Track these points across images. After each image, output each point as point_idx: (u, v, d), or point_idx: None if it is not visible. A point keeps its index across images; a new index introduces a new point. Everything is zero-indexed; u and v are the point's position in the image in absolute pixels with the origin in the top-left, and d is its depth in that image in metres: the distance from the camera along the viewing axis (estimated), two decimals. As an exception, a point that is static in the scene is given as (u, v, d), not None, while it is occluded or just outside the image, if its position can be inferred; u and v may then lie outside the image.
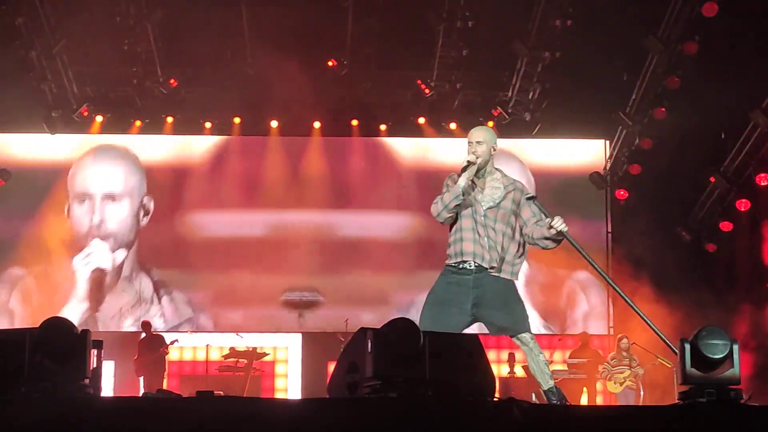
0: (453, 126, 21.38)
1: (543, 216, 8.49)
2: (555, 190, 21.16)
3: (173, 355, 19.35)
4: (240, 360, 18.56)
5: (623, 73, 20.03)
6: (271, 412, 6.38)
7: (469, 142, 8.57)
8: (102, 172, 21.40)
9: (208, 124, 21.51)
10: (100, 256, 20.86)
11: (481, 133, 8.62)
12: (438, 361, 7.03)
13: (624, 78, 20.02)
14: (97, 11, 18.43)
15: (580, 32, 18.89)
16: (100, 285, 20.86)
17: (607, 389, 17.92)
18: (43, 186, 21.30)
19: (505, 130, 21.17)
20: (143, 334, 19.10)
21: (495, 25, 19.23)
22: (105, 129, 21.47)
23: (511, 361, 18.54)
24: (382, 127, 21.66)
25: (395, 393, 6.78)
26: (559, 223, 8.24)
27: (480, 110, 21.17)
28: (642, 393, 17.27)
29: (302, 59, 19.49)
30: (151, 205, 21.27)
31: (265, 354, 18.68)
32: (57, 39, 18.94)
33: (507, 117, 20.93)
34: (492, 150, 8.58)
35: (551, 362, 18.61)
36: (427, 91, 20.66)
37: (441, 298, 8.49)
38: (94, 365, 7.19)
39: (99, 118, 21.28)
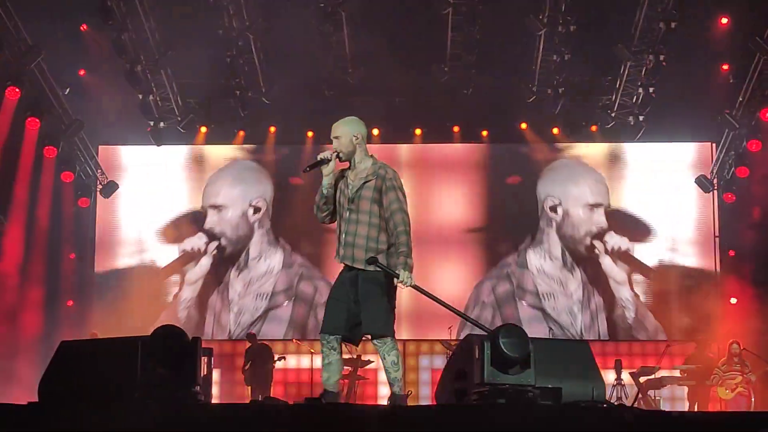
0: (555, 131, 21.26)
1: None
2: (661, 194, 20.94)
3: (279, 363, 19.46)
4: (344, 367, 18.60)
5: (729, 76, 19.71)
6: (376, 418, 6.38)
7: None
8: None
9: (309, 133, 21.66)
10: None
11: (338, 128, 8.46)
12: (546, 367, 6.98)
13: (730, 80, 19.70)
14: (200, 24, 18.64)
15: (684, 34, 18.61)
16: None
17: (719, 395, 17.56)
18: (150, 196, 21.65)
19: (609, 134, 21.00)
20: (249, 344, 19.24)
21: (597, 28, 19.03)
22: (209, 139, 21.77)
23: (618, 367, 18.34)
24: (484, 133, 21.60)
25: (504, 399, 6.75)
26: (406, 281, 8.05)
27: (583, 114, 21.01)
28: (753, 399, 16.90)
29: (402, 67, 19.52)
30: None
31: (370, 361, 18.68)
32: (162, 53, 19.22)
33: (611, 121, 20.72)
34: (354, 140, 8.38)
35: (660, 368, 18.34)
36: (529, 96, 20.53)
37: (332, 294, 8.34)
38: (204, 373, 7.27)
39: (203, 129, 21.58)
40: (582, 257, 21.08)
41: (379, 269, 7.97)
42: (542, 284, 20.94)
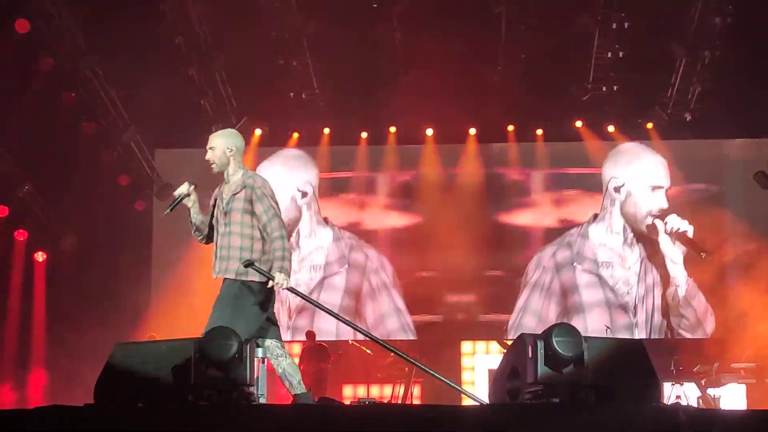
0: (611, 129, 21.14)
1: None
2: (719, 191, 20.76)
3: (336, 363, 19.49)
4: (401, 368, 18.61)
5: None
6: (431, 417, 6.37)
7: None
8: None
9: (364, 134, 21.71)
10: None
11: (214, 139, 8.49)
12: (600, 365, 6.93)
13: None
14: (253, 27, 18.72)
15: (740, 30, 18.42)
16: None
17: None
18: (205, 199, 21.74)
19: (665, 131, 20.84)
20: (306, 344, 19.28)
21: (651, 25, 18.90)
22: (263, 142, 21.86)
23: (675, 366, 18.18)
24: (539, 131, 21.52)
25: (557, 398, 6.72)
26: (282, 283, 8.16)
27: (638, 112, 20.88)
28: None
29: (456, 66, 19.50)
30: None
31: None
32: (215, 56, 19.32)
33: (667, 118, 20.57)
34: (228, 151, 8.41)
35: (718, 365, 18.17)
36: (583, 94, 20.42)
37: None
38: (258, 374, 7.30)
39: (258, 131, 21.69)
40: (642, 235, 21.15)
41: (252, 280, 8.19)
42: (601, 254, 21.14)
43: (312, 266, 21.58)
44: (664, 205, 20.99)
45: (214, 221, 8.42)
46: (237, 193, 8.32)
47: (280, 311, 21.17)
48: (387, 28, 19.03)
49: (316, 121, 21.49)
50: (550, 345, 6.87)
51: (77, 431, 5.90)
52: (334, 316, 9.09)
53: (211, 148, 8.45)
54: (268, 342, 8.28)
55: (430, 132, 21.52)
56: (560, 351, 6.84)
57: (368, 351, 19.06)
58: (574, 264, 21.12)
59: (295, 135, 21.83)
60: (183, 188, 8.33)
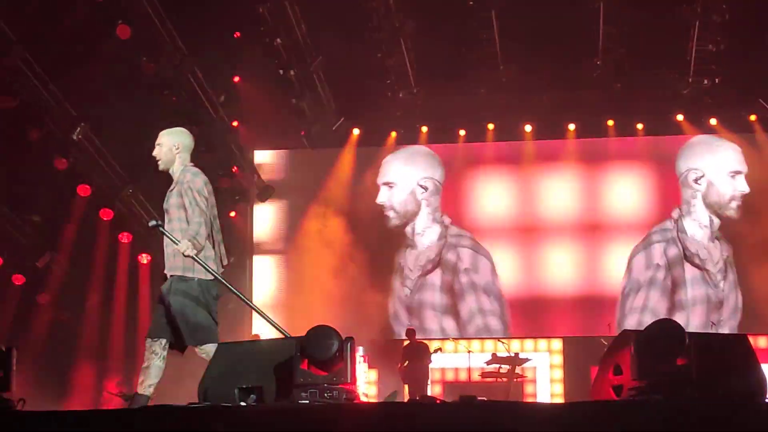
0: (713, 122, 20.86)
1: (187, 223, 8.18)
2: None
3: (436, 362, 19.47)
4: (502, 366, 18.53)
5: None
6: (534, 416, 6.33)
7: None
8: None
9: (462, 132, 21.69)
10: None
11: (162, 137, 8.46)
12: (705, 362, 6.83)
13: None
14: (350, 27, 18.79)
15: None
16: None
17: None
18: (305, 199, 21.96)
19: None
20: (407, 342, 19.28)
21: (753, 16, 18.56)
22: (361, 141, 21.95)
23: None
24: (639, 126, 21.29)
25: (661, 395, 6.63)
26: (185, 249, 7.98)
27: (740, 104, 20.55)
28: None
29: (554, 62, 19.39)
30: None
31: (527, 359, 18.56)
32: (313, 57, 19.43)
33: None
34: (174, 149, 8.37)
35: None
36: (684, 87, 20.16)
37: (158, 300, 8.39)
38: (359, 371, 7.32)
39: (356, 131, 21.79)
40: (730, 221, 20.98)
41: (197, 277, 8.11)
42: (700, 250, 20.93)
43: (419, 264, 21.63)
44: (746, 189, 20.79)
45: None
46: (173, 189, 8.38)
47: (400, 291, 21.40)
48: (484, 25, 18.96)
49: (413, 120, 21.52)
50: (652, 341, 6.79)
51: (182, 431, 5.97)
52: (250, 305, 8.96)
53: (158, 145, 8.48)
54: (149, 341, 8.22)
55: (528, 128, 21.41)
56: (663, 346, 6.76)
57: (469, 349, 19.01)
58: (684, 260, 20.94)
59: (393, 134, 21.90)
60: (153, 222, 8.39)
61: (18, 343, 7.87)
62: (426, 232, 21.74)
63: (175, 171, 8.46)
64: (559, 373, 20.70)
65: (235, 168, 21.07)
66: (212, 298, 8.24)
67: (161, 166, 8.45)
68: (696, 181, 21.07)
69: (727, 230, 20.91)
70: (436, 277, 21.54)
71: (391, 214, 21.83)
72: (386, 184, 21.99)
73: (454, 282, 21.49)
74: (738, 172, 20.95)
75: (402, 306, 21.55)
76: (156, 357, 8.19)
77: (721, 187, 21.02)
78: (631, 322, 20.43)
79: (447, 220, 21.75)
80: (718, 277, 20.75)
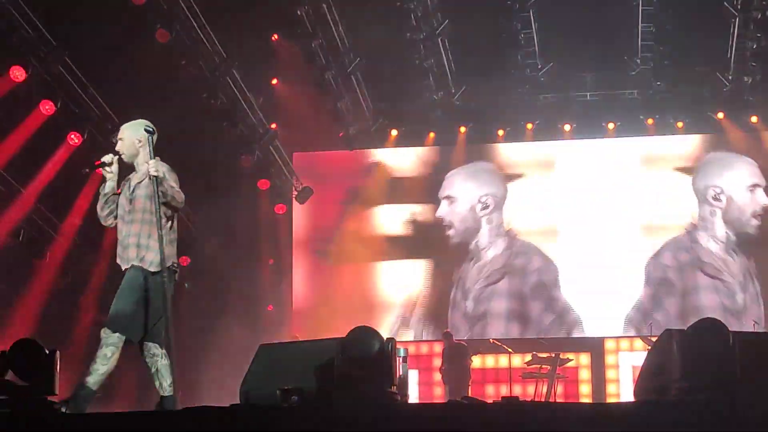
0: (754, 119, 20.71)
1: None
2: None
3: (476, 362, 19.44)
4: (543, 366, 18.45)
5: None
6: (576, 416, 6.30)
7: None
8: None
9: (500, 132, 21.67)
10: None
11: (124, 131, 8.33)
12: (749, 361, 6.76)
13: None
14: (388, 29, 18.78)
15: None
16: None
17: None
18: (345, 200, 22.01)
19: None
20: (445, 344, 19.26)
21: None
22: (400, 142, 21.97)
23: None
24: (679, 124, 21.18)
25: (705, 395, 6.58)
26: (153, 168, 7.96)
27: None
28: None
29: (593, 61, 19.34)
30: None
31: (569, 360, 18.48)
32: (352, 59, 19.44)
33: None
34: (137, 143, 8.23)
35: None
36: (724, 85, 20.03)
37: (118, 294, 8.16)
38: (400, 373, 7.31)
39: (394, 132, 21.81)
40: (750, 237, 20.92)
41: (157, 271, 7.99)
42: (715, 261, 20.93)
43: (487, 275, 21.61)
44: (766, 201, 20.61)
45: (120, 209, 8.29)
46: (142, 181, 8.21)
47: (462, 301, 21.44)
48: (522, 24, 18.92)
49: (452, 120, 21.51)
50: (696, 340, 6.73)
51: (225, 431, 5.99)
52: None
53: (120, 139, 8.37)
54: (107, 334, 8.02)
55: (568, 128, 21.36)
56: (707, 346, 6.70)
57: (509, 349, 18.95)
58: (697, 267, 20.87)
59: (432, 134, 21.91)
60: (107, 157, 8.24)
61: (61, 346, 7.87)
62: (491, 246, 21.76)
63: (140, 163, 8.31)
64: (600, 373, 20.64)
65: (274, 170, 21.13)
66: (157, 294, 8.08)
67: (125, 159, 8.31)
68: (715, 198, 21.00)
69: (747, 245, 20.86)
70: (503, 285, 21.51)
71: (451, 232, 21.88)
72: (447, 198, 22.05)
73: (523, 286, 21.49)
74: (757, 185, 20.91)
75: (464, 318, 21.55)
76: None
77: (741, 201, 20.93)
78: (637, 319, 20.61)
79: (513, 231, 21.74)
80: (736, 288, 20.63)
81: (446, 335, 19.33)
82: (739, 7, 18.18)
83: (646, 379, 7.36)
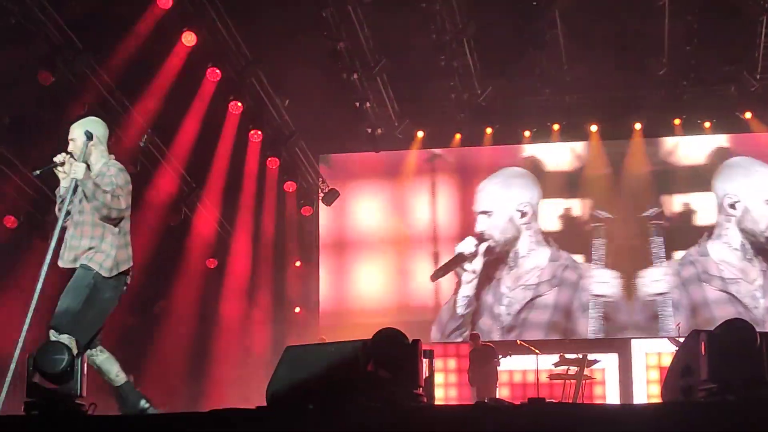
0: (783, 119, 20.65)
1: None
2: None
3: (504, 365, 19.41)
4: (570, 367, 18.40)
5: None
6: (603, 417, 6.28)
7: None
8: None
9: (527, 133, 21.64)
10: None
11: (74, 130, 8.15)
12: (777, 362, 6.73)
13: None
14: (412, 30, 18.75)
15: None
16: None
17: None
18: (371, 201, 22.04)
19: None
20: (473, 346, 19.24)
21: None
22: (426, 144, 21.98)
23: None
24: (707, 124, 21.09)
25: (733, 396, 6.55)
26: (72, 169, 7.79)
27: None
28: None
29: (619, 61, 19.25)
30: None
31: (596, 361, 18.43)
32: (377, 60, 19.42)
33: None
34: (89, 143, 8.02)
35: None
36: (751, 85, 19.91)
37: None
38: (427, 374, 7.30)
39: (420, 133, 21.81)
40: (763, 248, 20.78)
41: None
42: (725, 271, 20.79)
43: (525, 286, 21.59)
44: None
45: (72, 208, 8.17)
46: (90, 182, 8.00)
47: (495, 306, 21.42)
48: (549, 25, 18.85)
49: (478, 121, 21.48)
50: (723, 340, 6.70)
51: (251, 432, 6.02)
52: None
53: (72, 140, 8.19)
54: (54, 332, 7.77)
55: (594, 128, 21.31)
56: (734, 347, 6.67)
57: (536, 351, 18.91)
58: (702, 281, 20.76)
59: (458, 136, 21.91)
60: (59, 157, 8.11)
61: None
62: (531, 255, 21.74)
63: (94, 163, 8.15)
64: (628, 375, 20.60)
65: (300, 172, 21.18)
66: (102, 296, 7.91)
67: (77, 159, 8.07)
68: (732, 206, 20.94)
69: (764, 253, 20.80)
70: (550, 297, 21.46)
71: (491, 243, 21.84)
72: (483, 212, 22.06)
73: (573, 300, 21.43)
74: None
75: (494, 323, 21.51)
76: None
77: (756, 213, 20.82)
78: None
79: (555, 243, 21.73)
80: (757, 295, 20.52)
81: (474, 337, 19.31)
82: (766, 5, 18.05)
83: (674, 379, 7.34)
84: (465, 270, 21.77)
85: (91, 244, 7.92)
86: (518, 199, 21.93)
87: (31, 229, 16.84)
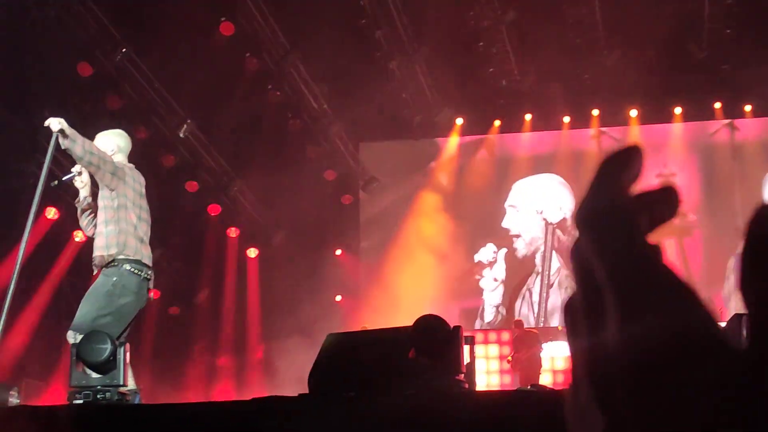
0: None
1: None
2: None
3: (547, 351, 19.34)
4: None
5: None
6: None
7: None
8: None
9: (566, 119, 21.53)
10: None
11: (97, 140, 8.08)
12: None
13: None
14: (450, 16, 18.70)
15: None
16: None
17: None
18: (412, 189, 22.04)
19: None
20: (516, 332, 19.20)
21: None
22: (465, 131, 21.93)
23: None
24: (747, 108, 20.91)
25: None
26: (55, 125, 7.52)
27: None
28: None
29: (658, 45, 19.10)
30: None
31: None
32: (415, 48, 19.38)
33: None
34: (110, 152, 7.95)
35: None
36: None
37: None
38: (468, 360, 7.29)
39: (459, 121, 21.76)
40: None
41: (130, 271, 7.81)
42: None
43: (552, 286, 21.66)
44: None
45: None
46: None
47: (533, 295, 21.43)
48: (588, 9, 18.74)
49: (517, 108, 21.41)
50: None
51: (292, 421, 6.01)
52: None
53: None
54: (70, 333, 7.80)
55: (634, 113, 21.18)
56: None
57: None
58: None
59: (497, 123, 21.85)
60: (75, 168, 8.08)
61: (131, 338, 7.95)
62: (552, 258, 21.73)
63: None
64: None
65: (340, 161, 21.20)
66: (121, 301, 7.88)
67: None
68: None
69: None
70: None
71: (519, 244, 21.89)
72: (512, 206, 22.07)
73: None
74: None
75: (532, 309, 21.54)
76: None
77: None
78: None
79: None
80: None
81: (517, 323, 19.27)
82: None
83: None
84: (483, 276, 21.75)
85: (97, 230, 7.96)
86: (549, 202, 21.92)
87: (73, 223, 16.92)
